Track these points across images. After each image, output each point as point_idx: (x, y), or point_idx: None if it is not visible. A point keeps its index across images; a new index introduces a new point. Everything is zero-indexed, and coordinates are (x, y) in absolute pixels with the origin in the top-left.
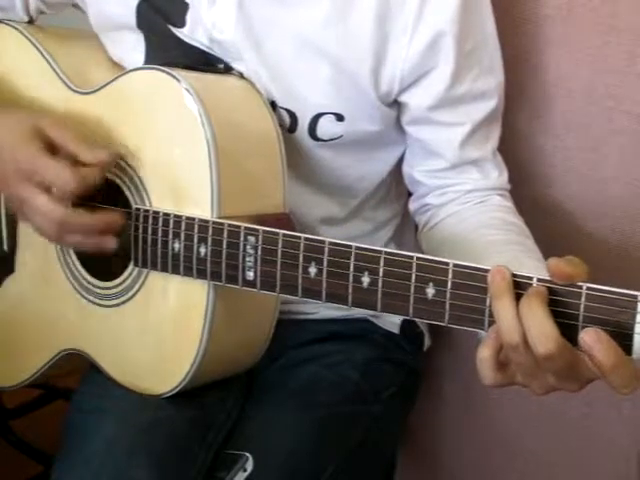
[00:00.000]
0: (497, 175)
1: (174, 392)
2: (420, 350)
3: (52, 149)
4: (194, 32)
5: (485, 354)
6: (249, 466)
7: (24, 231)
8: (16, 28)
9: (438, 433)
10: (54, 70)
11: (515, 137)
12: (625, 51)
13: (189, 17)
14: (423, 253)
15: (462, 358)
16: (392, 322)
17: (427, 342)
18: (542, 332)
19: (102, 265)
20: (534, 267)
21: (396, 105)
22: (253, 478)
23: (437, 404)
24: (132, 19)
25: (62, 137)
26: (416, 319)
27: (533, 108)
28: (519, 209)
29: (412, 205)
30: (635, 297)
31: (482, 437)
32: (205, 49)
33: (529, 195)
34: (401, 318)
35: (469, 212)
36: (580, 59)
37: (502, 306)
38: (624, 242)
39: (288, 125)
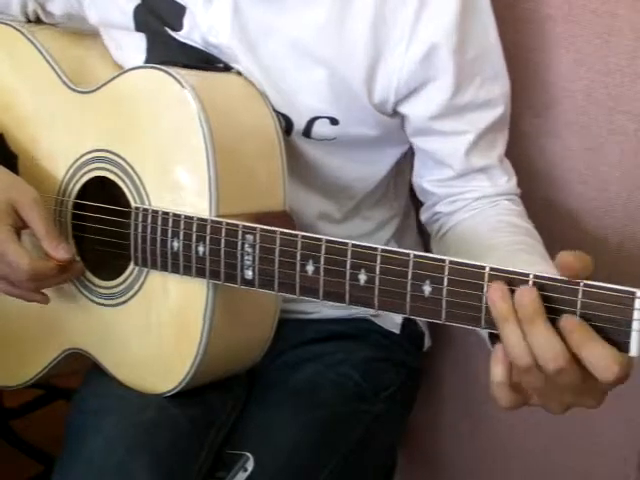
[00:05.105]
0: (506, 180)
1: (176, 391)
2: (420, 350)
3: (23, 226)
4: (191, 35)
5: (500, 378)
6: (250, 466)
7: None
8: (15, 27)
9: (438, 433)
10: (54, 69)
11: (515, 137)
12: (625, 51)
13: (186, 20)
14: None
15: (462, 358)
16: (393, 322)
17: (427, 342)
18: (550, 349)
19: (104, 264)
20: (533, 262)
21: (398, 116)
22: (254, 478)
23: (437, 404)
24: (131, 23)
25: (33, 221)
26: (414, 317)
27: (533, 108)
28: None
29: (423, 215)
30: (633, 294)
31: (482, 437)
32: (204, 49)
33: (529, 194)
34: (402, 318)
35: (477, 219)
36: (580, 59)
37: (510, 331)
38: (624, 242)
39: (284, 129)
